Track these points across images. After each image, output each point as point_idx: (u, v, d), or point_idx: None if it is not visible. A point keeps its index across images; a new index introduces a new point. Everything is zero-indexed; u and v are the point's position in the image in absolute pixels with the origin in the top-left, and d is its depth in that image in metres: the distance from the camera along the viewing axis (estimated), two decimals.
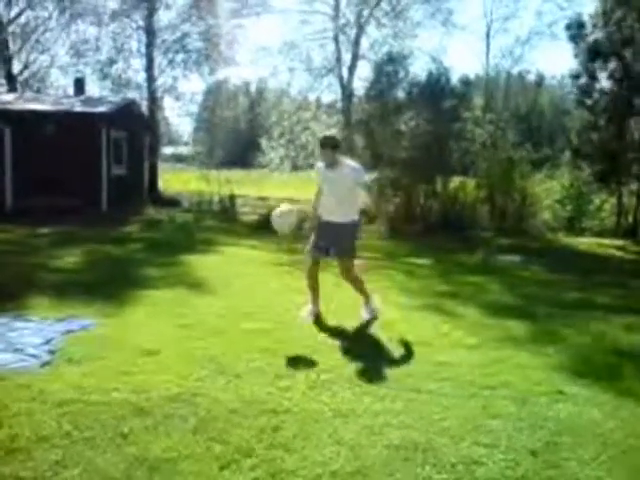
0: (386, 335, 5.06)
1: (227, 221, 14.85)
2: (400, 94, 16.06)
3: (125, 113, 18.03)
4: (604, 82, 16.55)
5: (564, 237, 14.52)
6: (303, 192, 13.25)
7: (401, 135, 14.83)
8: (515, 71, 41.13)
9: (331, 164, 5.42)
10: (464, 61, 76.89)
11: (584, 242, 13.64)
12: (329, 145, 5.36)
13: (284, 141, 23.18)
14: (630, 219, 16.57)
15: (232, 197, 16.22)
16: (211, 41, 23.73)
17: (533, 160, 14.97)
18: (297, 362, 4.33)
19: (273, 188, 22.47)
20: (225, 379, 3.95)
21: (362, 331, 5.27)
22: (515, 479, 2.89)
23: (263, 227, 11.13)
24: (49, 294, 6.16)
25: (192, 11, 23.62)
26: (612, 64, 16.20)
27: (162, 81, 23.87)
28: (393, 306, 6.18)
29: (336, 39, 23.13)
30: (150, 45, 23.09)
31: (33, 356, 4.29)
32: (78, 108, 17.29)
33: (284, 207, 5.59)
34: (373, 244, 9.64)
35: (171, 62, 23.73)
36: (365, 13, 22.70)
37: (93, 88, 23.85)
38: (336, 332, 5.17)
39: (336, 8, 23.05)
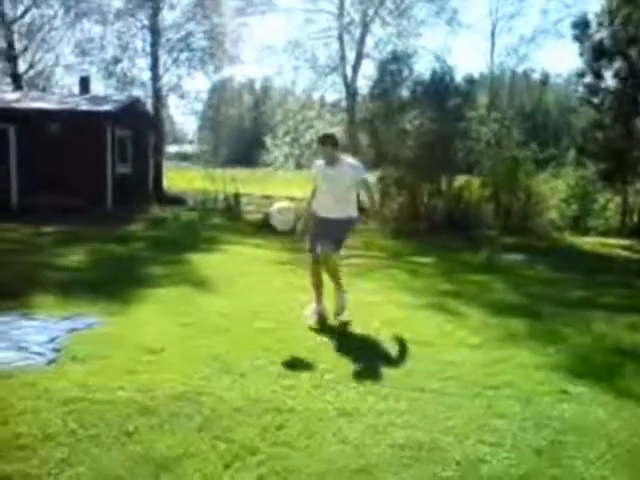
0: (390, 334, 5.05)
1: (232, 220, 14.86)
2: (404, 93, 16.08)
3: (130, 111, 18.04)
4: (609, 81, 16.54)
5: (569, 236, 14.47)
6: (307, 190, 13.20)
7: (405, 134, 14.79)
8: (520, 69, 40.95)
9: (331, 162, 5.43)
10: (469, 60, 76.83)
11: (589, 241, 13.60)
12: (329, 143, 5.40)
13: (289, 139, 23.20)
14: (635, 218, 16.52)
15: (237, 196, 16.21)
16: (216, 39, 23.75)
17: (538, 159, 14.91)
18: (301, 361, 4.33)
19: (277, 187, 22.45)
20: (230, 378, 3.95)
21: (366, 330, 5.25)
22: (519, 477, 2.88)
23: (267, 226, 11.12)
24: (54, 292, 6.18)
25: (197, 10, 23.66)
26: (617, 63, 16.17)
27: (167, 79, 23.97)
28: (396, 305, 6.18)
29: (340, 38, 23.10)
30: (155, 44, 23.13)
31: (38, 354, 4.30)
32: (83, 107, 17.33)
33: (282, 204, 5.60)
34: (377, 243, 9.65)
35: (176, 61, 23.77)
36: (370, 12, 22.69)
37: (98, 87, 23.97)
38: (340, 331, 5.18)
39: (341, 7, 23.07)
